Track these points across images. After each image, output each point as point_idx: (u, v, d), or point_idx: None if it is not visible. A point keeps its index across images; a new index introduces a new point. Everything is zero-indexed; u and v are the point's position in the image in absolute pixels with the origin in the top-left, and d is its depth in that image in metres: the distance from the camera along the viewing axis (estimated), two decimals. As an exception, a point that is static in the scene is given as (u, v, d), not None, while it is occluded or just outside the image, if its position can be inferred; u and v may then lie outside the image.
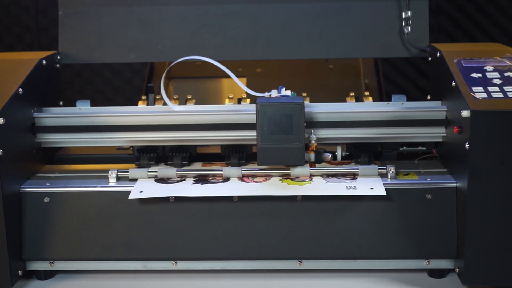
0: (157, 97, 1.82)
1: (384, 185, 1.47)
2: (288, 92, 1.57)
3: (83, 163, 1.72)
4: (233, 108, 1.64)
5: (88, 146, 1.64)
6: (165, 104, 1.77)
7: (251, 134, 1.58)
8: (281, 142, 1.47)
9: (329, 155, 1.57)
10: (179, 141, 1.61)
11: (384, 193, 1.45)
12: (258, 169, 1.56)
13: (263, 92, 1.62)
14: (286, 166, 1.53)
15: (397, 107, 1.61)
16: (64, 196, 1.51)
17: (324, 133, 1.58)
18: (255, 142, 1.61)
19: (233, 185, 1.51)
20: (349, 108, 1.61)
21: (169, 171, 1.55)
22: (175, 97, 1.79)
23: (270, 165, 1.53)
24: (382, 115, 1.58)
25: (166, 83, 2.13)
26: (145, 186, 1.51)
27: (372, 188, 1.47)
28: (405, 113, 1.58)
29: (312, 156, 1.56)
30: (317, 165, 1.63)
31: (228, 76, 1.64)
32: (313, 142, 1.56)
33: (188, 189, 1.49)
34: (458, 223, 1.46)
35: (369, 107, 1.62)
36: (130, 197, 1.48)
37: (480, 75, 1.51)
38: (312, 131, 1.57)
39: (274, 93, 1.56)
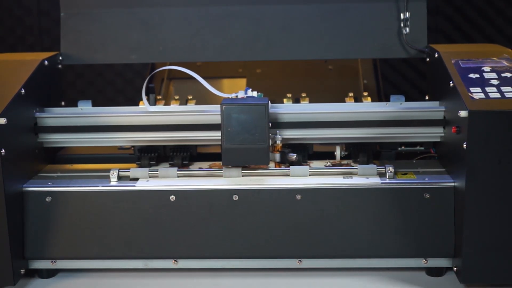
0: (158, 97, 1.83)
1: (383, 184, 1.48)
2: (255, 93, 1.57)
3: (84, 162, 1.72)
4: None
5: (90, 146, 1.65)
6: (166, 104, 1.79)
7: (294, 133, 1.59)
8: (246, 143, 1.48)
9: (294, 155, 1.58)
10: (180, 141, 1.62)
11: (379, 181, 1.46)
12: (258, 169, 1.57)
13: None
14: (250, 166, 1.54)
15: (395, 107, 1.62)
16: (66, 195, 1.51)
17: (290, 133, 1.59)
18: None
19: (235, 178, 1.53)
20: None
21: (169, 171, 1.56)
22: (175, 98, 1.79)
23: (236, 165, 1.53)
24: (381, 115, 1.59)
25: (167, 84, 2.14)
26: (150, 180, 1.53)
27: (367, 177, 1.48)
28: (403, 113, 1.59)
29: (277, 156, 1.57)
30: (317, 164, 1.64)
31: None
32: (278, 142, 1.57)
33: (191, 182, 1.51)
34: (456, 222, 1.46)
35: (368, 107, 1.62)
36: (137, 185, 1.49)
37: (477, 75, 1.52)
38: (278, 131, 1.58)
39: (241, 94, 1.57)
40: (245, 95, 1.56)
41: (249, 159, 1.50)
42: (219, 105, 1.50)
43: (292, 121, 1.59)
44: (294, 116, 1.59)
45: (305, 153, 1.64)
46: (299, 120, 1.59)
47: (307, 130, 1.58)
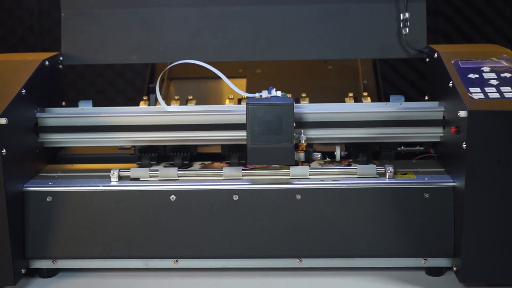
0: (159, 98, 1.83)
1: (382, 184, 1.49)
2: (279, 93, 1.58)
3: (85, 162, 1.73)
4: (228, 108, 1.65)
5: (90, 146, 1.65)
6: (166, 104, 1.79)
7: (318, 133, 1.60)
8: (271, 142, 1.48)
9: (319, 155, 1.59)
10: (180, 141, 1.62)
11: (379, 181, 1.47)
12: (258, 169, 1.57)
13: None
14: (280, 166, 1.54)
15: (395, 107, 1.62)
16: (67, 195, 1.52)
17: (315, 133, 1.59)
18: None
19: (235, 178, 1.53)
20: (344, 108, 1.62)
21: (170, 171, 1.56)
22: (176, 98, 1.80)
23: (262, 165, 1.54)
24: (381, 115, 1.59)
25: (167, 84, 2.14)
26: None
27: (368, 181, 1.49)
28: (403, 113, 1.59)
29: (301, 155, 1.58)
30: (316, 164, 1.64)
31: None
32: (303, 142, 1.57)
33: (191, 182, 1.52)
34: (455, 222, 1.46)
35: (368, 108, 1.63)
36: (137, 185, 1.50)
37: (477, 75, 1.52)
38: (302, 131, 1.58)
39: (264, 93, 1.57)
40: (269, 95, 1.56)
41: (274, 158, 1.49)
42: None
43: (316, 121, 1.59)
44: (319, 116, 1.59)
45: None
46: (324, 120, 1.59)
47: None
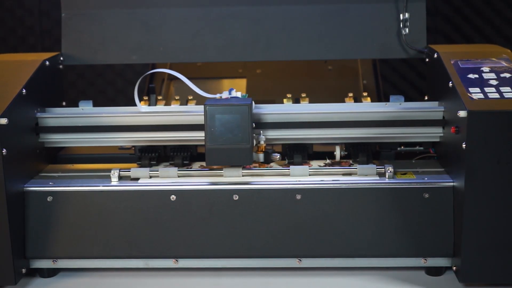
0: (159, 98, 1.83)
1: (382, 184, 1.49)
2: (239, 94, 1.58)
3: (85, 162, 1.73)
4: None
5: (91, 146, 1.66)
6: (167, 104, 1.80)
7: (278, 134, 1.60)
8: (229, 143, 1.49)
9: (278, 155, 1.59)
10: (180, 141, 1.63)
11: (379, 181, 1.47)
12: (258, 169, 1.58)
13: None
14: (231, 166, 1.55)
15: (395, 107, 1.62)
16: (67, 195, 1.52)
17: (275, 134, 1.60)
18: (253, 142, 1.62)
19: (235, 178, 1.54)
20: (344, 108, 1.62)
21: (170, 170, 1.57)
22: (176, 98, 1.80)
23: (220, 165, 1.54)
24: (380, 115, 1.60)
25: (168, 84, 2.15)
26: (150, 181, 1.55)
27: (368, 181, 1.49)
28: (403, 114, 1.60)
29: (260, 156, 1.58)
30: (316, 164, 1.64)
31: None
32: (262, 142, 1.57)
33: (191, 181, 1.52)
34: (455, 221, 1.47)
35: (368, 108, 1.63)
36: (138, 184, 1.50)
37: (476, 76, 1.53)
38: (261, 131, 1.58)
39: (225, 94, 1.58)
40: (229, 96, 1.57)
41: (233, 159, 1.50)
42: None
43: (276, 121, 1.59)
44: (279, 116, 1.59)
45: (305, 153, 1.65)
46: (283, 121, 1.59)
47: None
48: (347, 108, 1.63)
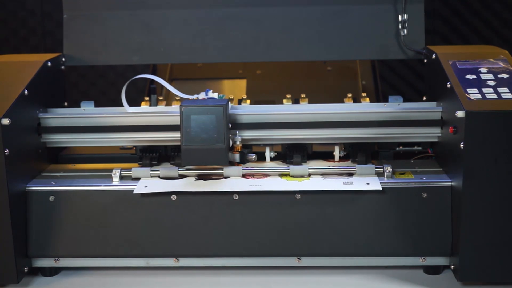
0: (160, 98, 1.84)
1: (381, 184, 1.50)
2: (215, 95, 1.59)
3: (87, 162, 1.73)
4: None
5: (92, 146, 1.66)
6: (167, 104, 1.80)
7: (249, 134, 1.61)
8: (204, 143, 1.49)
9: (253, 156, 1.60)
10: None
11: (380, 188, 1.47)
12: (258, 169, 1.59)
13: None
14: (210, 166, 1.55)
15: (393, 107, 1.63)
16: (69, 194, 1.53)
17: (251, 134, 1.61)
18: (254, 142, 1.63)
19: (234, 181, 1.54)
20: (343, 108, 1.63)
21: (171, 170, 1.58)
22: (177, 98, 1.81)
23: (196, 165, 1.55)
24: (379, 115, 1.60)
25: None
26: (149, 182, 1.54)
27: (368, 183, 1.49)
28: (401, 114, 1.60)
29: (236, 156, 1.59)
30: (315, 164, 1.65)
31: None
32: (238, 143, 1.58)
33: (191, 184, 1.52)
34: (453, 221, 1.47)
35: (366, 108, 1.63)
36: (135, 191, 1.50)
37: (474, 76, 1.53)
38: (237, 132, 1.59)
39: (201, 95, 1.58)
40: (205, 97, 1.58)
41: (208, 159, 1.51)
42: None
43: (251, 122, 1.60)
44: (253, 117, 1.61)
45: (304, 153, 1.66)
46: (258, 121, 1.60)
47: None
48: (346, 109, 1.64)
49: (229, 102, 1.56)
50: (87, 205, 1.52)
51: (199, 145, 1.49)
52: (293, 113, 1.62)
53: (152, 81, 2.11)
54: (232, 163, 1.58)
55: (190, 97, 1.59)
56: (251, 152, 1.61)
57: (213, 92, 1.59)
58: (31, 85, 1.58)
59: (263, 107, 1.65)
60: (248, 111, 1.62)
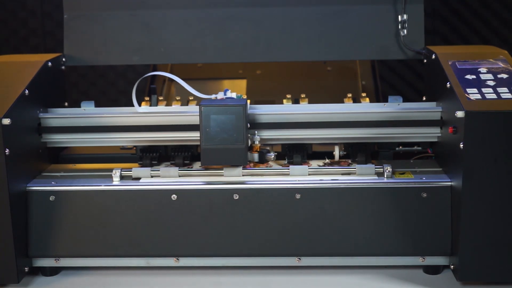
0: (160, 98, 1.84)
1: (381, 183, 1.50)
2: (234, 95, 1.59)
3: (87, 162, 1.74)
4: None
5: (92, 146, 1.66)
6: (168, 105, 1.81)
7: (271, 134, 1.61)
8: (224, 143, 1.50)
9: (272, 155, 1.60)
10: (181, 141, 1.64)
11: (376, 177, 1.48)
12: (258, 169, 1.59)
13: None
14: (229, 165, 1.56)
15: (393, 108, 1.63)
16: (69, 194, 1.53)
17: (270, 134, 1.61)
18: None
19: (235, 178, 1.55)
20: (343, 109, 1.63)
21: (171, 170, 1.58)
22: (177, 98, 1.81)
23: (215, 165, 1.56)
24: (379, 115, 1.61)
25: (169, 85, 2.16)
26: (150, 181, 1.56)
27: (367, 181, 1.50)
28: (401, 114, 1.61)
29: (255, 156, 1.59)
30: (315, 164, 1.66)
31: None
32: (257, 142, 1.59)
33: (192, 181, 1.54)
34: (452, 221, 1.48)
35: (366, 108, 1.64)
36: (139, 184, 1.51)
37: (474, 76, 1.53)
38: (256, 132, 1.59)
39: (220, 95, 1.59)
40: (224, 96, 1.58)
41: (227, 159, 1.51)
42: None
43: (272, 121, 1.61)
44: (274, 117, 1.61)
45: (304, 153, 1.66)
46: (279, 121, 1.61)
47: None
48: (346, 109, 1.64)
49: (247, 102, 1.56)
50: (88, 205, 1.53)
51: (218, 145, 1.50)
52: (293, 113, 1.62)
53: (152, 81, 2.12)
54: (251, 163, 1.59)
55: (208, 96, 1.59)
56: (269, 152, 1.61)
57: (231, 92, 1.59)
58: (31, 85, 1.58)
59: (263, 107, 1.65)
60: (267, 111, 1.62)
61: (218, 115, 1.50)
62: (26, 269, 1.52)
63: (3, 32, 2.56)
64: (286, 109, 1.64)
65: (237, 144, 1.50)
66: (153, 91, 1.81)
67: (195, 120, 1.60)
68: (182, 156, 1.67)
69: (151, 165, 1.65)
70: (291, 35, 1.84)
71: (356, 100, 1.81)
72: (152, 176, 1.57)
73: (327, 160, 1.68)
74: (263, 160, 1.61)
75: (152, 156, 1.66)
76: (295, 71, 2.16)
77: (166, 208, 1.52)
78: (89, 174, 1.62)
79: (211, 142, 1.50)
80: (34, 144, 1.61)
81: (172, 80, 2.16)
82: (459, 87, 1.48)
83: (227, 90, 1.58)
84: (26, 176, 1.55)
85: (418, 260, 1.52)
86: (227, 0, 1.84)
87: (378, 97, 2.08)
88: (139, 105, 1.77)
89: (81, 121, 1.64)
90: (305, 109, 1.64)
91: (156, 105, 1.79)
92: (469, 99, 1.43)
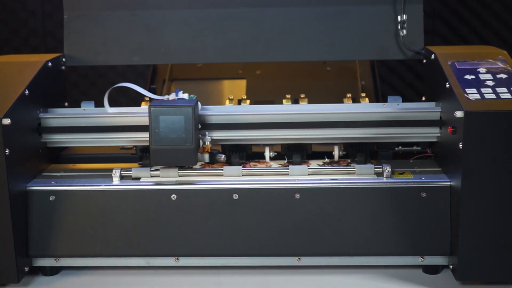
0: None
1: (380, 183, 1.50)
2: (186, 95, 1.60)
3: (87, 162, 1.74)
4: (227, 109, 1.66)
5: (92, 146, 1.67)
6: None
7: (248, 134, 1.62)
8: (173, 143, 1.50)
9: (222, 156, 1.60)
10: None
11: (375, 176, 1.49)
12: (258, 169, 1.59)
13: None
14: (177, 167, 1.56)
15: (392, 108, 1.64)
16: (69, 194, 1.53)
17: (220, 134, 1.62)
18: (252, 142, 1.64)
19: (235, 178, 1.55)
20: (342, 109, 1.63)
21: (171, 170, 1.58)
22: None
23: (164, 165, 1.56)
24: (378, 115, 1.61)
25: (168, 85, 2.16)
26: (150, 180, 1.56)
27: (366, 181, 1.51)
28: (400, 114, 1.61)
29: (206, 157, 1.59)
30: (315, 164, 1.66)
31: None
32: (208, 143, 1.59)
33: (192, 181, 1.54)
34: (452, 220, 1.48)
35: (366, 108, 1.64)
36: (139, 184, 1.52)
37: (473, 77, 1.54)
38: (207, 132, 1.60)
39: (172, 96, 1.59)
40: (175, 97, 1.58)
41: (177, 159, 1.52)
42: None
43: (222, 122, 1.61)
44: (224, 117, 1.62)
45: (304, 153, 1.66)
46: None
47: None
48: (346, 109, 1.64)
49: (198, 103, 1.57)
50: (88, 205, 1.53)
51: (167, 146, 1.50)
52: (293, 113, 1.62)
53: (152, 81, 2.12)
54: (201, 164, 1.59)
55: (161, 97, 1.59)
56: (220, 153, 1.61)
57: (183, 92, 1.60)
58: (31, 85, 1.58)
59: (263, 107, 1.66)
60: (219, 111, 1.62)
61: (167, 115, 1.50)
62: (26, 268, 1.52)
63: (4, 32, 2.57)
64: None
65: (186, 144, 1.50)
66: (153, 91, 1.81)
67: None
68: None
69: (150, 165, 1.65)
70: (291, 35, 1.85)
71: (355, 100, 1.81)
72: (152, 176, 1.57)
73: (326, 160, 1.68)
74: (213, 161, 1.60)
75: (152, 156, 1.66)
76: (295, 71, 2.17)
77: (166, 208, 1.52)
78: (89, 174, 1.62)
79: (160, 142, 1.50)
80: (34, 144, 1.61)
81: (172, 80, 2.16)
82: (458, 87, 1.48)
83: (178, 90, 1.60)
84: (26, 176, 1.55)
85: (417, 260, 1.52)
86: (227, 0, 1.85)
87: (378, 97, 2.08)
88: (139, 105, 1.78)
89: (81, 121, 1.64)
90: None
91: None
92: (468, 99, 1.44)
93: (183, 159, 1.52)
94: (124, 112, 1.65)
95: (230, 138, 1.63)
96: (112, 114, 1.64)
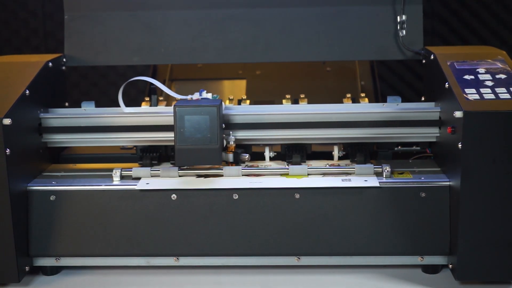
0: (160, 98, 1.85)
1: (380, 183, 1.51)
2: (209, 95, 1.60)
3: (88, 162, 1.74)
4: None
5: (93, 146, 1.67)
6: (168, 105, 1.81)
7: (248, 134, 1.62)
8: (198, 143, 1.50)
9: (246, 156, 1.61)
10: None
11: (378, 184, 1.49)
12: (257, 168, 1.60)
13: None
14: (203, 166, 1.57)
15: (392, 108, 1.64)
16: (70, 194, 1.53)
17: (245, 134, 1.62)
18: (252, 142, 1.64)
19: (234, 179, 1.55)
20: (342, 109, 1.64)
21: (171, 170, 1.59)
22: (177, 99, 1.81)
23: (190, 165, 1.56)
24: (378, 115, 1.61)
25: (169, 85, 2.16)
26: (151, 179, 1.55)
27: (366, 180, 1.51)
28: (400, 114, 1.61)
29: (230, 156, 1.60)
30: (315, 163, 1.66)
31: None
32: (232, 143, 1.59)
33: (191, 182, 1.54)
34: (451, 220, 1.48)
35: (365, 108, 1.64)
36: (137, 187, 1.51)
37: (472, 77, 1.54)
38: (231, 132, 1.60)
39: (195, 95, 1.59)
40: (199, 97, 1.59)
41: (202, 159, 1.52)
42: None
43: (246, 122, 1.62)
44: (248, 117, 1.62)
45: (304, 153, 1.67)
46: (256, 122, 1.62)
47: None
48: (345, 109, 1.64)
49: (222, 103, 1.57)
50: (88, 205, 1.53)
51: (192, 145, 1.50)
52: (293, 113, 1.63)
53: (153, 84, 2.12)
54: (226, 163, 1.59)
55: (184, 97, 1.60)
56: (244, 152, 1.62)
57: (207, 92, 1.59)
58: (32, 86, 1.59)
59: (263, 107, 1.66)
60: (242, 111, 1.63)
61: (192, 115, 1.50)
62: (27, 268, 1.52)
63: (4, 32, 2.57)
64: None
65: (211, 144, 1.50)
66: (153, 91, 1.82)
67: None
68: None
69: (151, 165, 1.66)
70: (291, 36, 1.85)
71: (355, 100, 1.81)
72: (152, 176, 1.58)
73: (326, 162, 1.68)
74: (237, 160, 1.61)
75: (152, 156, 1.67)
76: (295, 71, 2.17)
77: (166, 208, 1.52)
78: (89, 174, 1.62)
79: (185, 142, 1.50)
80: (34, 144, 1.61)
81: (172, 80, 2.17)
82: (458, 87, 1.49)
83: (202, 90, 1.59)
84: (26, 176, 1.55)
85: (417, 260, 1.52)
86: (227, 0, 1.85)
87: (377, 97, 2.09)
88: (139, 105, 1.78)
89: (81, 121, 1.64)
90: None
91: (156, 105, 1.80)
92: (468, 99, 1.44)
93: (208, 159, 1.52)
94: (142, 112, 1.64)
95: (260, 138, 1.63)
96: (129, 114, 1.63)
